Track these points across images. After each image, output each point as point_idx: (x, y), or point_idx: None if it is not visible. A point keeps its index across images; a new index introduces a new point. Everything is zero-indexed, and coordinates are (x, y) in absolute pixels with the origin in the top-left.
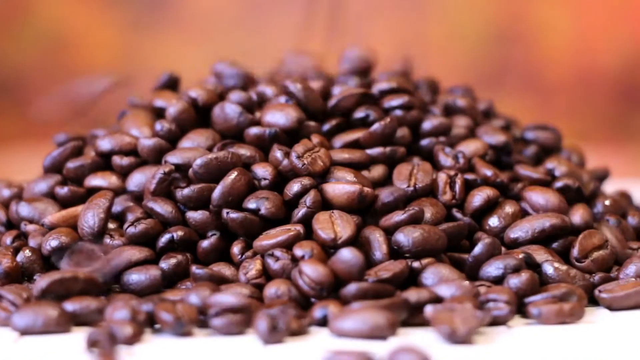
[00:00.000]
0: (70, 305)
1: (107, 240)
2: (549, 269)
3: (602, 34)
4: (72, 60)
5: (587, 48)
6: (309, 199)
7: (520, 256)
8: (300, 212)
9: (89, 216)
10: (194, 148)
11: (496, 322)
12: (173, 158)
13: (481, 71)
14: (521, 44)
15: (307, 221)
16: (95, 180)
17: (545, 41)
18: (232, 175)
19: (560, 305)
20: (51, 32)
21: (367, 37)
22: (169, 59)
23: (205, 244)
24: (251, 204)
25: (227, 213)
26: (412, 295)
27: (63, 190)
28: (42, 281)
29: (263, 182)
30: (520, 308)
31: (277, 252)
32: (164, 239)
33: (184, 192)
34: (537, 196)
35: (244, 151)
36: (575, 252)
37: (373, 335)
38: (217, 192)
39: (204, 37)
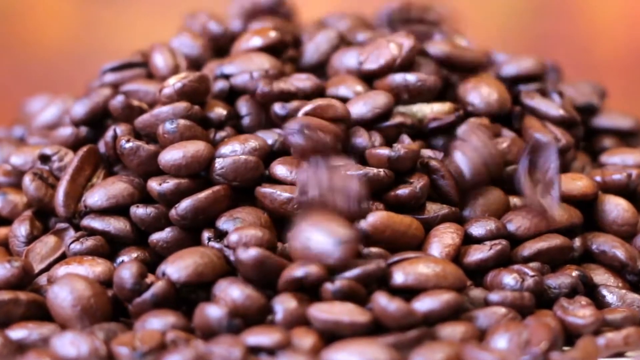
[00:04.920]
0: (15, 333)
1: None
2: (603, 290)
3: None
4: (20, 33)
5: None
6: None
7: (575, 274)
8: None
9: (16, 227)
10: None
11: None
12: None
13: (517, 49)
14: (564, 15)
15: None
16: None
17: (593, 12)
18: (208, 191)
19: (614, 334)
20: None
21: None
22: (134, 31)
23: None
24: (222, 223)
25: (209, 239)
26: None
27: None
28: None
29: None
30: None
31: None
32: (116, 264)
33: (137, 211)
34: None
35: None
36: None
37: None
38: (187, 203)
39: (173, 4)
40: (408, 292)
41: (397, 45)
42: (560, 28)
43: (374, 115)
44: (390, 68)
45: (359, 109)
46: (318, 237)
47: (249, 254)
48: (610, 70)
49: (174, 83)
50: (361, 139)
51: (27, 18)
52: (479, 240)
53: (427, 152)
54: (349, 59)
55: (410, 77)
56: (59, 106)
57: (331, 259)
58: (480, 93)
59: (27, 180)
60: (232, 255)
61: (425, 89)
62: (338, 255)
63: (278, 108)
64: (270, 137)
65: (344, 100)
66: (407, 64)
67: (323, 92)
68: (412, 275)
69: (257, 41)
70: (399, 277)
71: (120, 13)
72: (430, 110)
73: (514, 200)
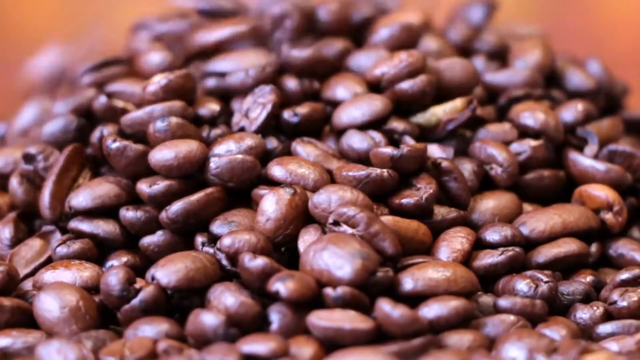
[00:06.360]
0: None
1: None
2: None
3: None
4: (3, 25)
5: None
6: None
7: (589, 279)
8: None
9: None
10: None
11: None
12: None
13: None
14: (578, 8)
15: None
16: None
17: (607, 5)
18: (201, 193)
19: (628, 339)
20: None
21: None
22: (125, 19)
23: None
24: (217, 227)
25: (203, 244)
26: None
27: None
28: None
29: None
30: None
31: None
32: (105, 269)
33: (127, 214)
34: None
35: None
36: None
37: None
38: (178, 206)
39: None
40: (416, 298)
41: (396, 59)
42: (574, 21)
43: (363, 121)
44: (379, 81)
45: (351, 113)
46: (332, 249)
47: (257, 263)
48: (625, 65)
49: (158, 80)
50: (363, 141)
51: (12, 10)
52: (494, 247)
53: (436, 152)
54: (354, 60)
55: (401, 85)
56: (36, 107)
57: (340, 272)
58: (535, 116)
59: (14, 182)
60: (224, 260)
61: (417, 91)
62: (349, 269)
63: (288, 115)
64: (271, 142)
65: (340, 102)
66: (401, 79)
67: (318, 92)
68: (422, 281)
69: (227, 32)
70: (407, 283)
71: (107, 5)
72: (443, 112)
73: (527, 207)
